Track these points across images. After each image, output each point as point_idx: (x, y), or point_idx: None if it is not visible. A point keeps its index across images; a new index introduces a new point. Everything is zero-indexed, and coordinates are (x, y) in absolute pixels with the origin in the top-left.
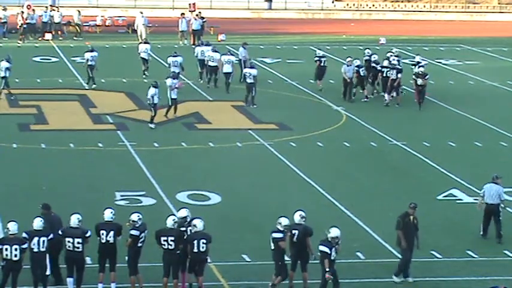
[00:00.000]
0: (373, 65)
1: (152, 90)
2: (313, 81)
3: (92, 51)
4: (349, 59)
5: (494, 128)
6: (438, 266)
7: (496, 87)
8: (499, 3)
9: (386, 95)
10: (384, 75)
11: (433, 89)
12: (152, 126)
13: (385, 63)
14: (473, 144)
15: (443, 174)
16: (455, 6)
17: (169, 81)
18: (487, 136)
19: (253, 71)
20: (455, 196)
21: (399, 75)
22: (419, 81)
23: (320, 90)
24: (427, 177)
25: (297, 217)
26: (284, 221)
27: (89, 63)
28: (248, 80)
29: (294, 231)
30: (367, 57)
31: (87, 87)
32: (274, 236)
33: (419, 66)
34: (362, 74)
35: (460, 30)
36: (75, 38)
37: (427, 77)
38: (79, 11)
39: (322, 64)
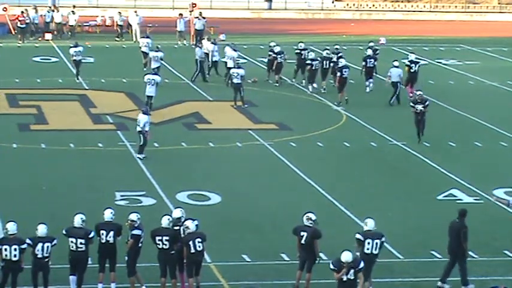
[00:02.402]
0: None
1: (143, 117)
2: (306, 81)
3: (76, 46)
4: (396, 63)
5: (494, 128)
6: (438, 266)
7: (496, 87)
8: (499, 3)
9: (310, 87)
10: (314, 68)
11: (433, 89)
12: (141, 156)
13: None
14: (473, 144)
15: (443, 174)
16: (455, 6)
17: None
18: (487, 136)
19: (241, 71)
20: (455, 196)
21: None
22: (419, 108)
23: (276, 83)
24: (427, 177)
25: (305, 219)
26: (344, 256)
27: (73, 58)
28: (235, 80)
29: (302, 233)
30: (299, 51)
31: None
32: (331, 267)
33: (411, 62)
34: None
35: (460, 30)
36: (116, 39)
37: (427, 103)
38: (120, 13)
39: (279, 61)
